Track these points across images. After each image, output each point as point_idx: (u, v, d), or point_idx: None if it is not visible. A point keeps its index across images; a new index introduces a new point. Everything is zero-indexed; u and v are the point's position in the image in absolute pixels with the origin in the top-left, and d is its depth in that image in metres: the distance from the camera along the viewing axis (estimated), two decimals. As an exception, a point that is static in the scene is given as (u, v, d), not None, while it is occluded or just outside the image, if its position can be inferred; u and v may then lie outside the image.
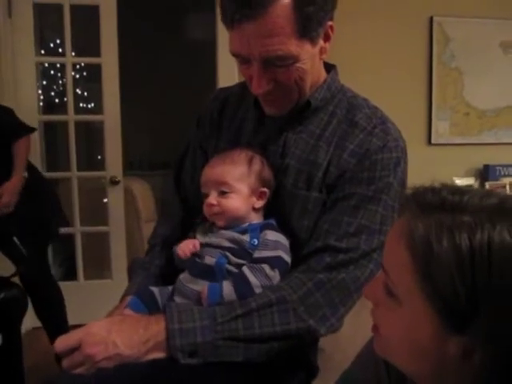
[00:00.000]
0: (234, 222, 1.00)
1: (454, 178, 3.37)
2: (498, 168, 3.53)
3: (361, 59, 3.30)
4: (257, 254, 0.96)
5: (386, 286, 0.60)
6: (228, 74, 2.96)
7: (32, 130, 2.50)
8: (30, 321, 2.76)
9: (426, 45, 3.44)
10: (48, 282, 2.57)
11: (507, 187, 3.44)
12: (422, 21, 3.42)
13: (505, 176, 3.53)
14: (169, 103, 5.49)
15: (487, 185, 3.41)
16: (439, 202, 0.57)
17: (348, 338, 1.11)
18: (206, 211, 1.02)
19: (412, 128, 3.41)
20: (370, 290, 0.64)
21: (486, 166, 3.54)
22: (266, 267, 0.93)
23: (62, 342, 0.84)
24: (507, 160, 3.55)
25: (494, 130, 3.59)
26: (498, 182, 3.46)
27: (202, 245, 1.02)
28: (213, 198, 1.00)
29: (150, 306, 1.01)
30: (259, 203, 1.03)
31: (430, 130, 3.50)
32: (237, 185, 1.00)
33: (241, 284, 0.92)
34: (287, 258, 0.97)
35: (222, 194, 1.00)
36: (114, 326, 0.86)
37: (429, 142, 3.51)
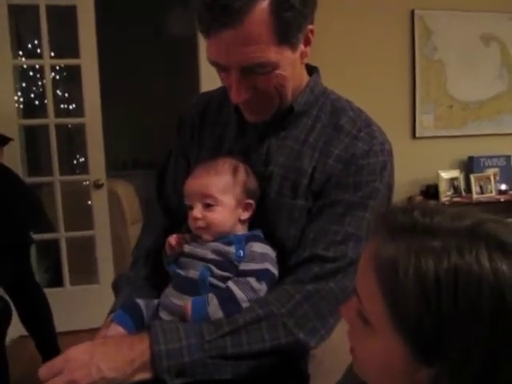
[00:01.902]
0: (220, 235, 0.98)
1: (440, 171, 3.38)
2: (482, 159, 3.56)
3: (342, 54, 3.29)
4: (243, 267, 0.93)
5: (359, 313, 0.59)
6: (210, 69, 2.89)
7: (5, 141, 2.42)
8: (17, 329, 2.70)
9: (407, 38, 3.44)
10: (32, 290, 2.54)
11: (491, 178, 3.46)
12: (403, 14, 3.42)
13: (489, 167, 3.56)
14: (151, 101, 5.43)
15: (472, 177, 3.43)
16: (410, 224, 0.55)
17: (338, 341, 1.10)
18: (191, 224, 0.99)
19: (396, 122, 3.41)
20: (346, 312, 0.63)
21: (471, 158, 3.56)
22: (252, 280, 0.91)
23: (45, 370, 0.82)
24: (491, 151, 3.58)
25: (477, 122, 3.61)
26: (483, 174, 3.48)
27: (185, 255, 1.00)
28: (197, 211, 0.97)
29: (135, 319, 0.98)
30: (245, 215, 1.00)
31: (415, 123, 3.51)
32: (222, 197, 0.97)
33: (227, 300, 0.90)
34: (274, 270, 0.95)
35: (207, 206, 0.97)
36: (97, 349, 0.84)
37: (413, 135, 3.52)
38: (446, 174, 3.42)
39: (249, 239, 0.97)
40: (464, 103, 3.56)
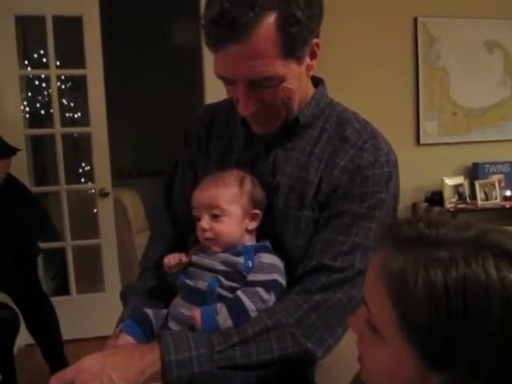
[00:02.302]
0: (229, 246, 0.99)
1: (444, 178, 3.38)
2: (486, 166, 3.56)
3: (346, 62, 3.30)
4: (252, 277, 0.94)
5: (368, 322, 0.60)
6: (215, 78, 2.90)
7: (12, 153, 2.44)
8: (24, 338, 2.71)
9: (411, 46, 3.45)
10: (40, 299, 2.55)
11: (496, 184, 3.46)
12: (406, 22, 3.43)
13: (493, 173, 3.55)
14: (155, 109, 5.45)
15: (477, 183, 3.43)
16: (415, 236, 0.56)
17: (345, 350, 1.10)
18: (200, 235, 1.01)
19: (400, 129, 3.42)
20: (354, 323, 0.64)
21: (475, 165, 3.56)
22: (261, 291, 0.92)
23: (56, 380, 0.82)
24: (495, 157, 3.58)
25: (481, 129, 3.61)
26: (488, 180, 3.48)
27: (194, 265, 1.01)
28: (205, 222, 0.98)
29: (144, 329, 0.99)
30: (252, 225, 1.01)
31: (418, 130, 3.51)
32: (229, 207, 0.98)
33: (237, 310, 0.91)
34: (282, 281, 0.96)
35: (215, 217, 0.98)
36: (108, 359, 0.84)
37: (417, 142, 3.52)
38: (450, 181, 3.42)
39: (257, 250, 0.98)
40: (468, 110, 3.56)
